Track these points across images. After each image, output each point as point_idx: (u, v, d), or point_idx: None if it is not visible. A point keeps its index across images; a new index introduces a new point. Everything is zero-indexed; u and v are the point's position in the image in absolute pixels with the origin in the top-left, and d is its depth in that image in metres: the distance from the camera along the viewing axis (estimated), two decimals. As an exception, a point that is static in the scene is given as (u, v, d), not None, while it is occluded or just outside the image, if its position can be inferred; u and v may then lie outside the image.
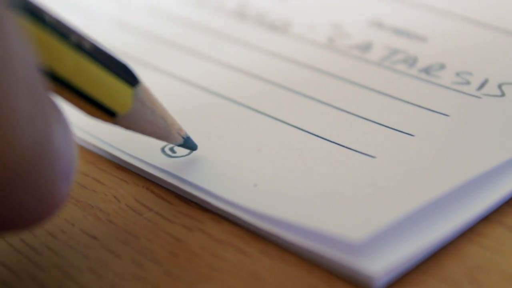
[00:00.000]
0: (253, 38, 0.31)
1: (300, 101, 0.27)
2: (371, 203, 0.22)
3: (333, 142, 0.25)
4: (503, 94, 0.26)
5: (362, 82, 0.28)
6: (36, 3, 0.20)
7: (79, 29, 0.21)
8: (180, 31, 0.32)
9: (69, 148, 0.19)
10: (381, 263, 0.21)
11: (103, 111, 0.21)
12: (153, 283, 0.21)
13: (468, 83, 0.27)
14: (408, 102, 0.26)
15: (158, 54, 0.31)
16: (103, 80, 0.21)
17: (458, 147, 0.24)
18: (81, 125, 0.26)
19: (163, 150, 0.25)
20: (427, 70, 0.28)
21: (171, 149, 0.25)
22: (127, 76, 0.22)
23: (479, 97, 0.26)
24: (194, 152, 0.25)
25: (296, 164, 0.24)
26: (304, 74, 0.28)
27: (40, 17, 0.19)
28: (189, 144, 0.24)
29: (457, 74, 0.27)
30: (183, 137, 0.24)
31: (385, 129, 0.25)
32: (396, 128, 0.25)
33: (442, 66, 0.28)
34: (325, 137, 0.25)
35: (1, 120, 0.17)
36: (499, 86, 0.27)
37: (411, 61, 0.28)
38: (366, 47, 0.30)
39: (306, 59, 0.29)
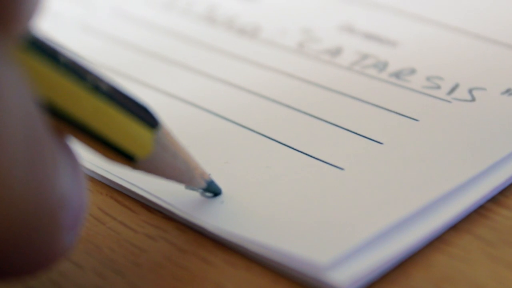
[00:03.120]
0: (222, 42, 0.31)
1: (267, 106, 0.27)
2: (338, 222, 0.22)
3: (301, 152, 0.24)
4: (473, 99, 0.26)
5: (331, 87, 0.27)
6: (49, 42, 0.18)
7: (96, 70, 0.19)
8: (147, 35, 0.32)
9: (78, 195, 0.18)
10: (348, 273, 0.20)
11: (122, 155, 0.20)
12: (115, 294, 0.21)
13: (438, 87, 0.27)
14: (378, 107, 0.26)
15: (125, 58, 0.30)
16: (121, 123, 0.20)
17: (427, 155, 0.24)
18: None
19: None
20: (397, 75, 0.28)
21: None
22: (148, 118, 0.20)
23: (449, 102, 0.26)
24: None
25: (263, 177, 0.23)
26: (273, 79, 0.28)
27: (54, 57, 0.18)
28: (212, 188, 0.23)
29: (428, 79, 0.27)
30: (206, 181, 0.22)
31: (354, 136, 0.25)
32: (365, 135, 0.25)
33: (412, 71, 0.28)
34: (292, 146, 0.25)
35: None
36: (470, 91, 0.26)
37: (382, 65, 0.28)
38: (336, 51, 0.29)
39: (276, 64, 0.29)
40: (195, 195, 0.23)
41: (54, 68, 0.18)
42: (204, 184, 0.22)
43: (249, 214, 0.22)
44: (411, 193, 0.22)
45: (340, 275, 0.20)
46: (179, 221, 0.23)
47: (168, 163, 0.21)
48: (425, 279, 0.21)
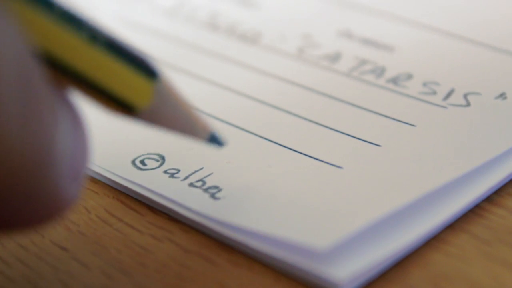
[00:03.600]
0: (224, 48, 0.31)
1: (268, 111, 0.27)
2: (337, 212, 0.22)
3: (301, 153, 0.25)
4: (468, 104, 0.27)
5: (330, 93, 0.28)
6: None
7: (93, 19, 0.19)
8: (149, 42, 0.32)
9: (79, 147, 0.18)
10: (347, 271, 0.21)
11: (121, 105, 0.20)
12: (122, 294, 0.22)
13: (434, 93, 0.27)
14: (375, 113, 0.27)
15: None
16: (120, 73, 0.19)
17: (424, 157, 0.24)
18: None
19: (133, 162, 0.25)
20: (394, 81, 0.28)
21: (142, 162, 0.25)
22: (147, 69, 0.20)
23: (445, 107, 0.27)
24: (164, 164, 0.25)
25: (264, 175, 0.24)
26: (273, 85, 0.29)
27: (48, 5, 0.18)
28: (215, 140, 0.22)
29: (424, 84, 0.28)
30: (209, 133, 0.22)
31: (352, 139, 0.25)
32: (363, 138, 0.25)
33: (409, 76, 0.28)
34: (293, 148, 0.25)
35: None
36: (465, 96, 0.27)
37: (379, 71, 0.29)
38: (335, 57, 0.30)
39: (276, 70, 0.30)
40: (198, 193, 0.24)
41: (49, 17, 0.18)
42: (207, 136, 0.22)
43: (250, 208, 0.23)
44: (407, 190, 0.23)
45: (339, 273, 0.21)
46: (183, 222, 0.24)
47: (169, 113, 0.21)
48: (422, 277, 0.21)
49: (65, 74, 0.18)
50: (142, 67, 0.20)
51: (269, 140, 0.26)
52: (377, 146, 0.25)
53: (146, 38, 0.33)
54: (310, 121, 0.26)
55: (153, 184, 0.24)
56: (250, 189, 0.23)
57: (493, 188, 0.24)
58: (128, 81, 0.19)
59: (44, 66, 0.17)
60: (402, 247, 0.22)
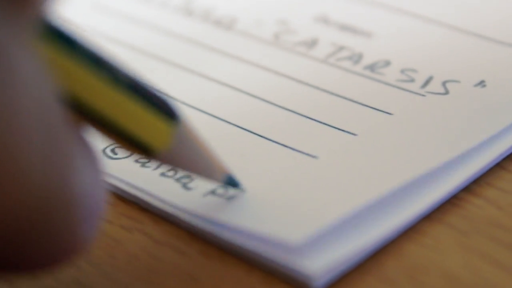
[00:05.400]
0: (198, 34, 0.31)
1: (242, 98, 0.27)
2: (311, 204, 0.22)
3: (275, 142, 0.25)
4: (447, 92, 0.26)
5: (306, 80, 0.27)
6: (66, 29, 0.18)
7: (115, 59, 0.19)
8: (123, 27, 0.32)
9: (95, 187, 0.18)
10: (320, 263, 0.20)
11: (140, 147, 0.20)
12: (91, 286, 0.21)
13: (412, 80, 0.27)
14: (352, 100, 0.26)
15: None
16: (140, 115, 0.19)
17: (401, 146, 0.24)
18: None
19: (104, 151, 0.25)
20: (372, 67, 0.28)
21: (112, 151, 0.25)
22: (167, 111, 0.20)
23: (423, 95, 0.26)
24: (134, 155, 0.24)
25: (237, 164, 0.24)
26: (248, 71, 0.28)
27: (69, 45, 0.17)
28: (232, 183, 0.22)
29: (402, 71, 0.27)
30: (225, 176, 0.22)
31: (328, 128, 0.25)
32: (339, 127, 0.25)
33: (387, 63, 0.28)
34: (267, 136, 0.25)
35: (7, 161, 0.16)
36: (443, 84, 0.27)
37: (356, 57, 0.28)
38: (311, 43, 0.29)
39: (251, 56, 0.29)
40: (170, 183, 0.23)
41: (71, 57, 0.17)
42: (223, 179, 0.22)
43: (222, 199, 0.22)
44: (383, 178, 0.23)
45: (312, 265, 0.20)
46: (154, 212, 0.23)
47: (187, 156, 0.21)
48: (398, 269, 0.21)
49: (84, 114, 0.18)
50: (163, 109, 0.20)
51: (242, 128, 0.25)
52: (353, 135, 0.25)
53: (119, 23, 0.32)
54: (285, 108, 0.26)
55: (124, 173, 0.24)
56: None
57: (471, 177, 0.23)
58: (148, 124, 0.19)
59: (65, 105, 0.17)
60: (377, 239, 0.21)
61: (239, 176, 0.23)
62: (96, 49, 0.18)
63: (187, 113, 0.26)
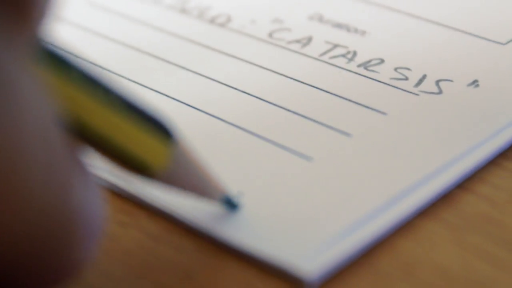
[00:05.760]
0: (193, 33, 0.31)
1: (236, 96, 0.27)
2: (307, 216, 0.22)
3: (269, 140, 0.25)
4: (440, 92, 0.26)
5: (300, 78, 0.28)
6: (62, 53, 0.18)
7: (110, 80, 0.19)
8: (118, 25, 0.32)
9: (94, 208, 0.18)
10: (315, 259, 0.21)
11: (136, 168, 0.20)
12: (87, 282, 0.21)
13: (406, 79, 0.27)
14: (346, 99, 0.26)
15: (96, 45, 0.30)
16: (136, 136, 0.19)
17: (395, 147, 0.24)
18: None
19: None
20: (365, 66, 0.28)
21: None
22: (163, 131, 0.20)
23: (417, 94, 0.26)
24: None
25: (230, 166, 0.24)
26: (242, 69, 0.28)
27: (66, 67, 0.18)
28: (230, 203, 0.22)
29: (396, 70, 0.28)
30: (223, 195, 0.22)
31: (323, 127, 0.25)
32: (333, 126, 0.25)
33: (381, 61, 0.28)
34: (259, 134, 0.25)
35: (9, 184, 0.16)
36: (437, 83, 0.27)
37: (350, 56, 0.29)
38: (306, 41, 0.30)
39: (245, 54, 0.29)
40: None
41: (68, 79, 0.18)
42: (221, 198, 0.22)
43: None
44: (378, 183, 0.23)
45: (307, 261, 0.20)
46: (150, 209, 0.23)
47: (184, 176, 0.21)
48: (392, 265, 0.21)
49: (81, 135, 0.18)
50: (160, 129, 0.20)
51: (236, 126, 0.25)
52: (347, 135, 0.25)
53: (114, 22, 0.32)
54: (279, 106, 0.26)
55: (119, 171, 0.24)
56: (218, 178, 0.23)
57: (464, 174, 0.23)
58: (145, 144, 0.19)
59: (64, 126, 0.17)
60: (372, 235, 0.21)
61: (229, 175, 0.23)
62: (91, 70, 0.18)
63: (183, 113, 0.26)
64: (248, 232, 0.21)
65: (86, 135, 0.18)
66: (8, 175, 0.16)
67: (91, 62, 0.19)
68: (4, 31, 0.16)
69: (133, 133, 0.19)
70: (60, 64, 0.18)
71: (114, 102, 0.18)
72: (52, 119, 0.17)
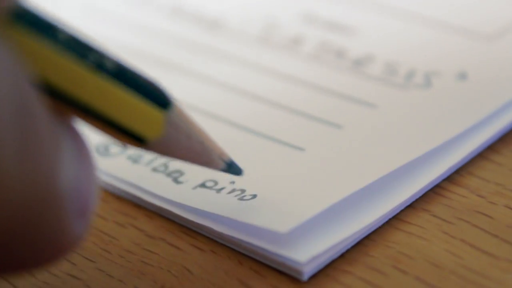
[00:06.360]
0: (186, 32, 0.31)
1: (229, 94, 0.27)
2: (299, 195, 0.22)
3: (263, 135, 0.25)
4: (429, 85, 0.27)
5: (292, 75, 0.28)
6: (46, 17, 0.17)
7: (100, 46, 0.18)
8: (110, 26, 0.32)
9: (85, 179, 0.17)
10: (308, 251, 0.21)
11: (131, 137, 0.18)
12: (86, 280, 0.22)
13: (396, 74, 0.27)
14: (337, 94, 0.27)
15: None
16: (129, 103, 0.18)
17: (385, 138, 0.24)
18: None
19: (97, 149, 0.25)
20: (357, 62, 0.28)
21: (105, 148, 0.25)
22: (158, 97, 0.19)
23: (406, 88, 0.27)
24: (127, 150, 0.25)
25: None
26: (235, 68, 0.29)
27: (51, 33, 0.16)
28: (233, 169, 0.21)
29: (386, 65, 0.28)
30: (225, 162, 0.21)
31: (314, 121, 0.26)
32: (325, 120, 0.26)
33: (371, 58, 0.28)
34: (255, 130, 0.25)
35: None
36: (426, 77, 0.27)
37: (342, 53, 0.29)
38: (298, 39, 0.30)
39: (239, 53, 0.30)
40: (161, 178, 0.24)
41: (51, 45, 0.16)
42: (223, 165, 0.21)
43: (213, 192, 0.23)
44: (368, 169, 0.23)
45: (300, 253, 0.21)
46: (147, 208, 0.24)
47: (182, 144, 0.20)
48: (384, 257, 0.21)
49: (68, 104, 0.17)
50: (153, 96, 0.19)
51: (230, 122, 0.26)
52: (338, 128, 0.25)
53: (107, 23, 0.32)
54: (271, 103, 0.27)
55: (116, 170, 0.24)
56: (212, 172, 0.24)
57: (453, 167, 0.24)
58: (138, 111, 0.18)
59: (46, 95, 0.16)
60: (363, 227, 0.22)
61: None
62: (77, 34, 0.17)
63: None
64: (242, 225, 0.22)
65: (74, 104, 0.17)
66: None
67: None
68: None
69: (124, 100, 0.18)
70: (42, 27, 0.16)
71: (102, 67, 0.17)
72: (27, 90, 0.15)
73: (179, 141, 0.19)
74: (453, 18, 0.30)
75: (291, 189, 0.23)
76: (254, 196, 0.23)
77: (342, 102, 0.26)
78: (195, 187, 0.23)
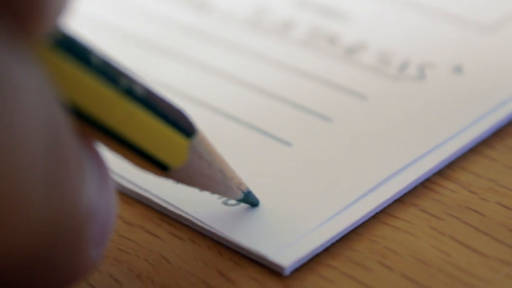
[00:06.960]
0: (175, 15, 0.31)
1: (217, 80, 0.27)
2: (289, 201, 0.22)
3: (250, 126, 0.24)
4: (423, 77, 0.26)
5: (283, 61, 0.27)
6: (80, 41, 0.17)
7: (130, 72, 0.18)
8: (104, 12, 0.31)
9: (105, 206, 0.17)
10: (291, 245, 0.20)
11: (155, 164, 0.19)
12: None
13: (389, 64, 0.27)
14: (327, 83, 0.26)
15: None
16: (156, 130, 0.18)
17: (376, 131, 0.24)
18: None
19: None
20: (349, 50, 0.28)
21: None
22: (184, 125, 0.19)
23: (399, 79, 0.26)
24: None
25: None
26: (224, 52, 0.28)
27: (84, 57, 0.16)
28: (249, 200, 0.21)
29: (379, 54, 0.27)
30: (243, 192, 0.21)
31: (303, 113, 0.25)
32: (314, 111, 0.25)
33: (364, 46, 0.28)
34: (241, 119, 0.25)
35: (7, 194, 0.14)
36: (420, 68, 0.26)
37: (334, 39, 0.28)
38: (289, 25, 0.29)
39: (228, 37, 0.29)
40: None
41: (83, 70, 0.16)
42: (241, 195, 0.21)
43: (194, 190, 0.22)
44: (358, 169, 0.23)
45: (283, 247, 0.20)
46: (126, 194, 0.23)
47: (204, 172, 0.20)
48: (370, 252, 0.21)
49: (95, 128, 0.17)
50: (180, 123, 0.19)
51: (218, 111, 0.25)
52: (328, 120, 0.24)
53: (101, 8, 0.32)
54: (260, 90, 0.26)
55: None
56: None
57: (444, 161, 0.23)
58: (165, 138, 0.18)
59: (73, 118, 0.16)
60: (349, 221, 0.21)
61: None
62: (108, 60, 0.17)
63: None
64: (225, 217, 0.21)
65: (98, 128, 0.17)
66: (3, 189, 0.14)
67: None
68: (2, 28, 0.14)
69: (151, 126, 0.18)
70: (75, 52, 0.16)
71: (131, 93, 0.17)
72: (58, 114, 0.15)
73: (201, 169, 0.20)
74: (450, 8, 0.29)
75: (280, 191, 0.22)
76: (238, 203, 0.22)
77: (332, 91, 0.26)
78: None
